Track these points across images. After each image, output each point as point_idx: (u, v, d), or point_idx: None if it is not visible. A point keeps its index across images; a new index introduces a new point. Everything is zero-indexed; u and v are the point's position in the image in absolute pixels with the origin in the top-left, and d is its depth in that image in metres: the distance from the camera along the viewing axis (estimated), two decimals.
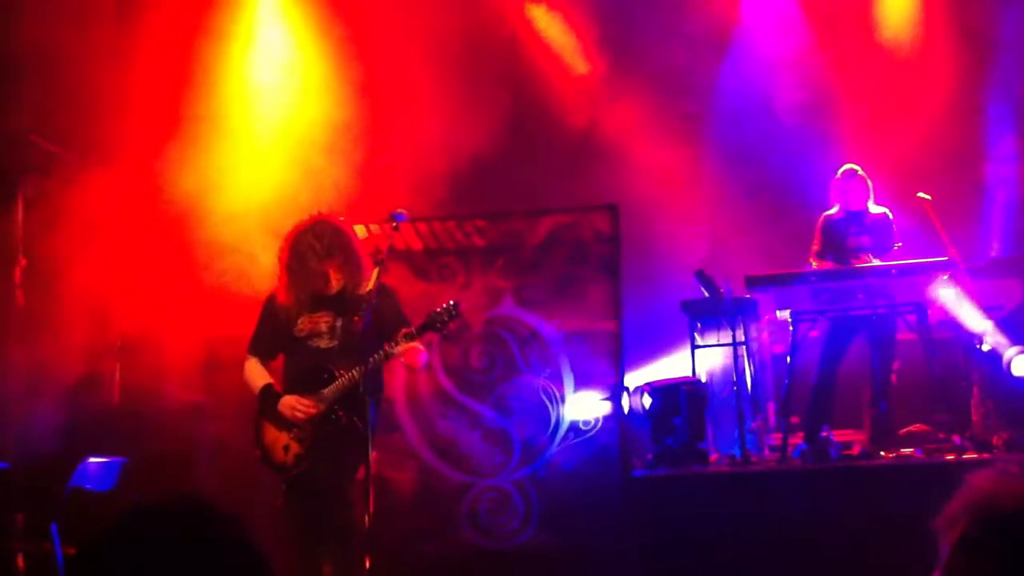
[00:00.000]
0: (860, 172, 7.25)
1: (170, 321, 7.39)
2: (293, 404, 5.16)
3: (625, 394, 7.15)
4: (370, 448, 5.00)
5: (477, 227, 7.38)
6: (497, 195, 8.22)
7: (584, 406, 7.27)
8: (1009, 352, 6.82)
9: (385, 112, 8.05)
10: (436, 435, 7.25)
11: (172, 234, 7.49)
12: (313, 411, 5.13)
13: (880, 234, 7.15)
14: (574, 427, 7.22)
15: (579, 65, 9.00)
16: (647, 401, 6.93)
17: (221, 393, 7.37)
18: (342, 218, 5.53)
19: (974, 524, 1.26)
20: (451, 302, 5.19)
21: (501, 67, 8.64)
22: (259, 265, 6.94)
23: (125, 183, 7.56)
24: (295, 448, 5.17)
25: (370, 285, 5.12)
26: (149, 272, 7.48)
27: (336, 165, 7.50)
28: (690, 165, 8.97)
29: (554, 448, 7.20)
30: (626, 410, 7.05)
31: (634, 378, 7.66)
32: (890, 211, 7.25)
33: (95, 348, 7.33)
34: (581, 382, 7.25)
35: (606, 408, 7.19)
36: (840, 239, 7.14)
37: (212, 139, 7.61)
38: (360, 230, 6.96)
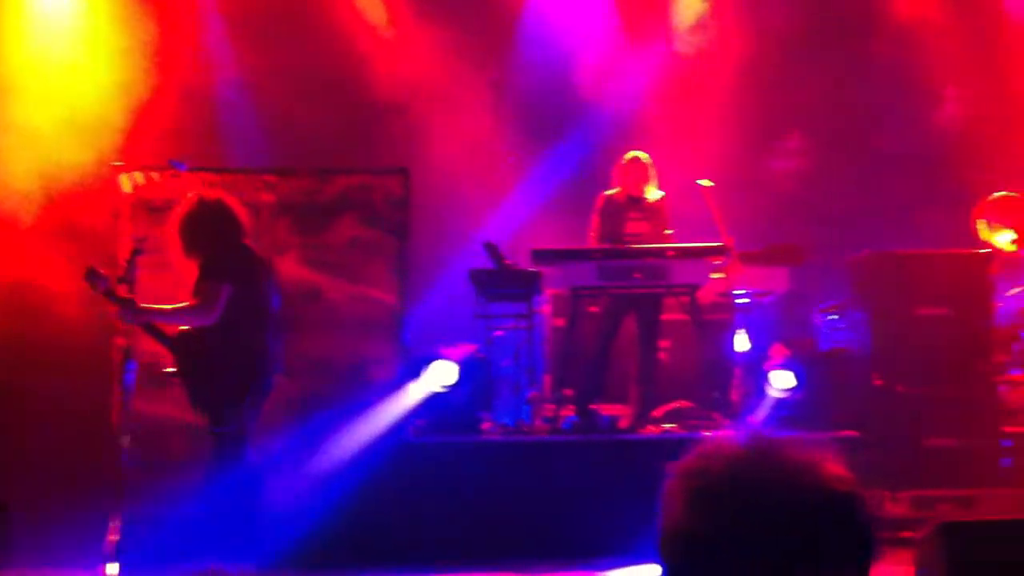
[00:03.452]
0: (644, 159, 7.45)
1: None
2: None
3: (430, 373, 7.09)
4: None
5: (266, 182, 7.21)
6: (290, 152, 8.06)
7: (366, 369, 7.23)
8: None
9: (172, 64, 7.76)
10: None
11: None
12: None
13: (657, 220, 7.41)
14: (357, 388, 7.17)
15: (380, 19, 8.87)
16: (449, 373, 6.94)
17: None
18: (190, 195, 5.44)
19: (688, 482, 1.38)
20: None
21: (298, 21, 8.45)
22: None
23: None
24: None
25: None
26: None
27: (117, 112, 7.20)
28: (490, 135, 9.04)
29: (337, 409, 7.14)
30: (433, 387, 7.03)
31: (421, 346, 7.69)
32: (665, 195, 7.49)
33: None
34: (364, 342, 7.21)
35: (387, 372, 7.19)
36: (619, 223, 7.34)
37: None
38: (138, 177, 6.73)
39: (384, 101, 8.78)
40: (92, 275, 5.14)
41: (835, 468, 1.38)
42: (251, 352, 5.36)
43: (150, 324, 5.19)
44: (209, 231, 5.32)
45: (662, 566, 1.39)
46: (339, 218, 7.22)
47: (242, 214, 5.55)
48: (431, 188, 8.00)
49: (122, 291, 5.13)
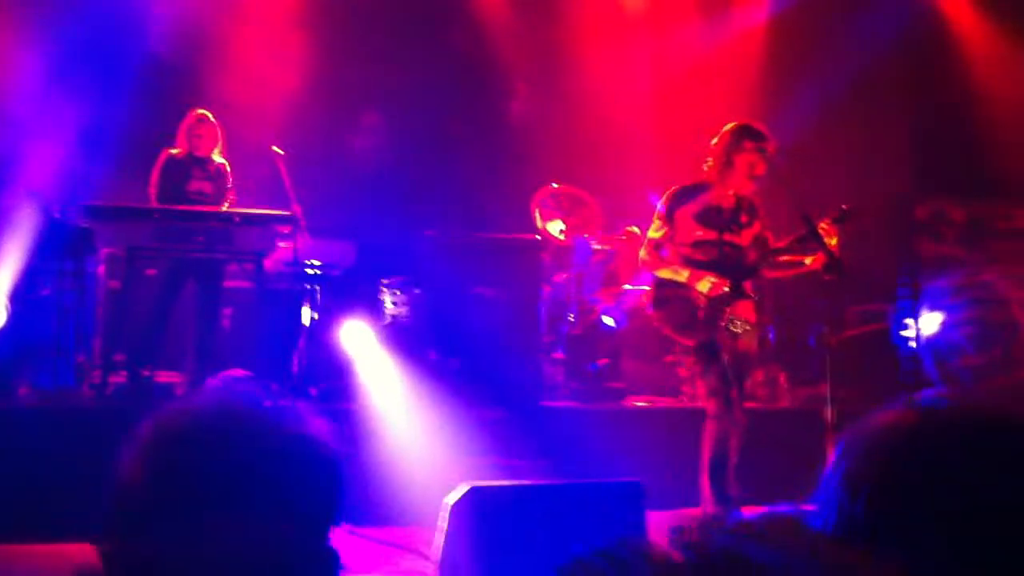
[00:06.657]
0: (211, 119, 7.20)
1: None
2: None
3: None
4: None
5: None
6: None
7: None
8: None
9: None
10: None
11: None
12: None
13: (220, 183, 7.21)
14: None
15: None
16: None
17: None
18: None
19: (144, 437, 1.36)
20: None
21: None
22: None
23: None
24: None
25: None
26: None
27: None
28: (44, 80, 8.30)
29: None
30: None
31: None
32: (228, 163, 7.30)
33: None
34: None
35: None
36: (181, 181, 7.06)
37: None
38: None
39: None
40: None
41: (303, 429, 1.38)
42: None
43: None
44: None
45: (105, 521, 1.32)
46: None
47: None
48: None
49: None
